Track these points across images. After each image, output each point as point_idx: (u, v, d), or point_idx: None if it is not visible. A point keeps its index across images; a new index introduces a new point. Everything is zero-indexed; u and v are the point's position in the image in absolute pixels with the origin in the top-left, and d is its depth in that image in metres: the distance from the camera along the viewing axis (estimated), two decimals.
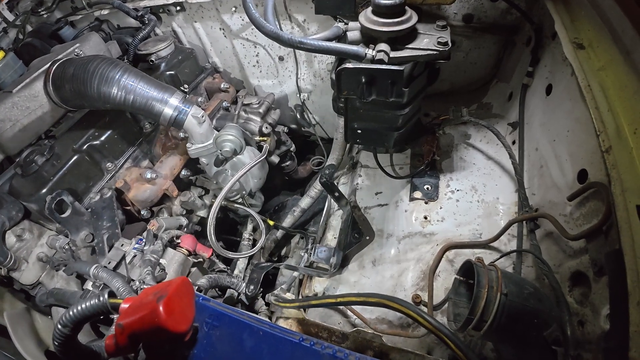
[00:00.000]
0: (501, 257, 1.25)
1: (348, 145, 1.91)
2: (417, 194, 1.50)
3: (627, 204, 0.76)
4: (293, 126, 2.64)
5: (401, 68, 1.01)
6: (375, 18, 1.03)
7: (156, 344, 0.75)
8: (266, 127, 2.01)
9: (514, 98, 1.62)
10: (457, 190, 1.49)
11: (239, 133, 1.68)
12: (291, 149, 2.39)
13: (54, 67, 1.60)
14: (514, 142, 1.53)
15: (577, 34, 1.15)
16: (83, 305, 0.76)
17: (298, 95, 2.32)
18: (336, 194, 1.55)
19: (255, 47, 2.18)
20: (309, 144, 2.82)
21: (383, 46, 1.00)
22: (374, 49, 1.00)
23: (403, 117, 1.26)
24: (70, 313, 0.77)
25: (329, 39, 1.07)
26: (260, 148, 1.91)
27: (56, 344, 0.79)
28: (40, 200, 1.50)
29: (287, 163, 2.43)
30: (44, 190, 1.52)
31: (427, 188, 1.50)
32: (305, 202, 2.07)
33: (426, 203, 1.48)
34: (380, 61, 0.99)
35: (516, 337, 0.94)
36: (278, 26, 1.90)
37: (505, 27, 1.65)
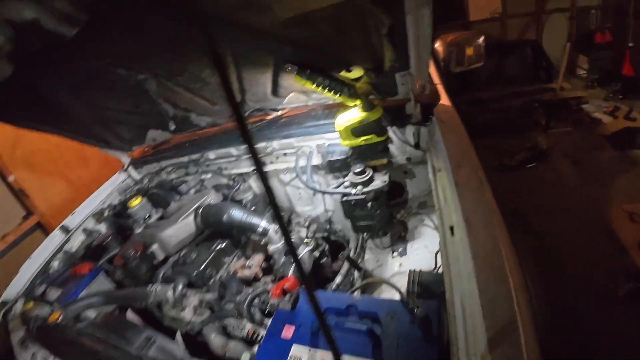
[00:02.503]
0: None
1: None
2: (395, 254, 2.76)
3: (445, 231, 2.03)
4: (325, 234, 3.98)
5: (364, 197, 2.47)
6: (354, 176, 2.53)
7: None
8: (309, 235, 3.40)
9: None
10: (416, 249, 2.75)
11: None
12: (325, 249, 3.69)
13: (200, 209, 3.14)
14: None
15: (439, 164, 2.57)
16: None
17: (325, 213, 3.77)
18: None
19: (298, 189, 3.73)
20: (339, 246, 4.09)
21: (359, 188, 2.47)
22: (355, 190, 2.46)
23: (379, 216, 2.64)
24: None
25: (338, 186, 2.57)
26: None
27: None
28: (196, 277, 2.85)
29: (323, 259, 3.70)
30: (196, 272, 2.87)
31: (400, 250, 2.77)
32: None
33: (401, 257, 2.73)
34: (356, 194, 2.44)
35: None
36: (312, 180, 3.48)
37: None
